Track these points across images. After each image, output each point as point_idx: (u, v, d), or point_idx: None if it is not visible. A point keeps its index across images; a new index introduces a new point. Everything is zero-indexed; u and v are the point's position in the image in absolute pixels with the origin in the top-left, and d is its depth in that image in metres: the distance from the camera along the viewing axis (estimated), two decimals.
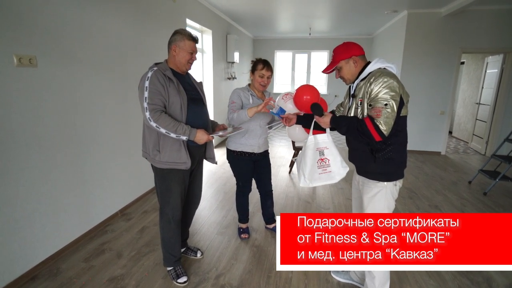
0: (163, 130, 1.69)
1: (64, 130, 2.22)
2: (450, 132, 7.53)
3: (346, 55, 1.55)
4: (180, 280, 1.98)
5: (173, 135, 1.71)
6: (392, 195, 1.57)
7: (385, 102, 1.38)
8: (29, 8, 1.89)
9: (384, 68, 1.50)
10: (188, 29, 4.35)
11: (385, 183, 1.54)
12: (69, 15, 2.20)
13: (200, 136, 1.76)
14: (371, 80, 1.43)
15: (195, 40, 1.86)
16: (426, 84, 5.36)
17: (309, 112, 2.07)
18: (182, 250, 2.25)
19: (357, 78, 1.57)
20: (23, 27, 1.86)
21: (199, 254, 2.28)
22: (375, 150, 1.51)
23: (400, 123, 1.46)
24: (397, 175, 1.55)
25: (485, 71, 5.82)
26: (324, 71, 1.67)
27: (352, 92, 1.61)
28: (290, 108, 2.16)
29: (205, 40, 5.34)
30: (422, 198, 3.50)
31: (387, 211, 1.57)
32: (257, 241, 2.52)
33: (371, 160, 1.53)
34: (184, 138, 1.73)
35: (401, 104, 1.42)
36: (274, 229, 2.67)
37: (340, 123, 1.55)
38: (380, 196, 1.55)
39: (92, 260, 2.21)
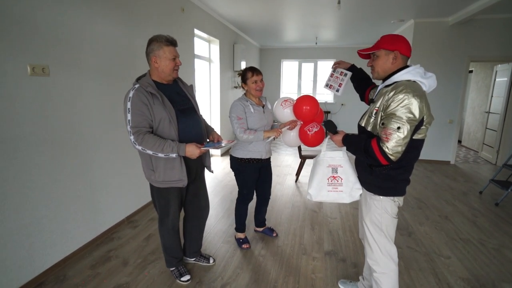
0: (149, 152, 1.63)
1: (73, 137, 2.26)
2: (460, 141, 7.41)
3: (391, 46, 1.39)
4: (183, 279, 2.05)
5: (161, 155, 1.63)
6: (389, 211, 1.47)
7: (398, 125, 1.25)
8: (43, 19, 1.96)
9: (414, 81, 1.35)
10: (195, 39, 4.44)
11: (381, 197, 1.46)
12: (80, 26, 2.26)
13: (191, 151, 1.67)
14: (392, 93, 1.30)
15: (174, 43, 1.73)
16: (434, 92, 5.30)
17: (306, 121, 2.09)
18: (193, 259, 2.27)
19: (385, 79, 1.45)
20: (37, 38, 1.92)
21: (211, 261, 2.28)
22: (374, 164, 1.43)
23: (412, 145, 1.34)
24: (396, 192, 1.46)
25: (494, 80, 5.76)
26: (360, 52, 1.54)
27: (374, 96, 1.53)
28: (288, 114, 2.19)
29: (212, 50, 5.42)
30: (431, 208, 3.43)
31: (385, 226, 1.49)
32: (263, 250, 2.49)
33: (368, 172, 1.48)
34: (174, 155, 1.65)
35: (418, 126, 1.30)
36: (264, 232, 2.76)
37: (350, 144, 1.49)
38: (375, 210, 1.49)
39: (98, 267, 2.21)
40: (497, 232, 2.86)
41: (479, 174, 4.93)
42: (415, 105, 1.25)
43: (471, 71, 7.19)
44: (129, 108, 1.62)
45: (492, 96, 5.82)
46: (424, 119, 1.30)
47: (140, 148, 1.64)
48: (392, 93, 1.30)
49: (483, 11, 4.15)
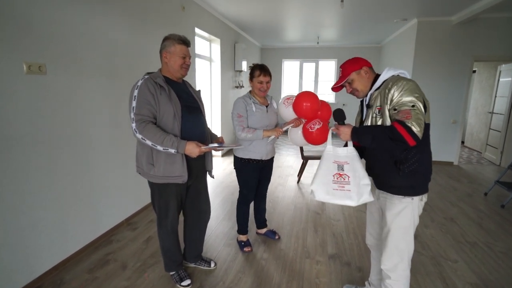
0: (149, 142, 1.58)
1: (72, 137, 2.20)
2: (462, 142, 7.35)
3: (356, 66, 1.52)
4: (183, 283, 1.99)
5: (159, 147, 1.58)
6: (418, 211, 1.47)
7: (412, 104, 1.29)
8: (39, 16, 1.90)
9: (398, 74, 1.45)
10: (196, 38, 4.39)
11: (411, 198, 1.43)
12: (78, 24, 2.21)
13: (191, 149, 1.61)
14: (389, 86, 1.36)
15: (186, 43, 1.75)
16: (438, 92, 5.26)
17: (308, 117, 1.99)
18: (193, 264, 2.21)
19: (370, 89, 1.51)
20: (33, 36, 1.87)
21: (212, 265, 2.22)
22: (399, 161, 1.40)
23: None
24: (423, 189, 1.46)
25: (498, 80, 5.70)
26: (334, 87, 1.61)
27: (366, 102, 1.53)
28: (291, 112, 2.14)
29: (213, 49, 5.36)
30: (436, 210, 3.37)
31: (413, 228, 1.46)
32: (265, 253, 2.44)
33: (395, 173, 1.42)
34: (172, 151, 1.59)
35: (424, 107, 1.33)
36: (266, 234, 2.70)
37: (364, 133, 1.42)
38: (406, 213, 1.44)
39: (96, 271, 2.15)
40: (504, 234, 2.80)
41: (483, 175, 4.87)
42: (414, 86, 1.33)
43: (474, 71, 7.13)
44: (135, 96, 1.61)
45: (495, 96, 5.76)
46: (424, 100, 1.35)
47: (140, 136, 1.59)
48: (390, 85, 1.36)
49: (487, 10, 4.09)
